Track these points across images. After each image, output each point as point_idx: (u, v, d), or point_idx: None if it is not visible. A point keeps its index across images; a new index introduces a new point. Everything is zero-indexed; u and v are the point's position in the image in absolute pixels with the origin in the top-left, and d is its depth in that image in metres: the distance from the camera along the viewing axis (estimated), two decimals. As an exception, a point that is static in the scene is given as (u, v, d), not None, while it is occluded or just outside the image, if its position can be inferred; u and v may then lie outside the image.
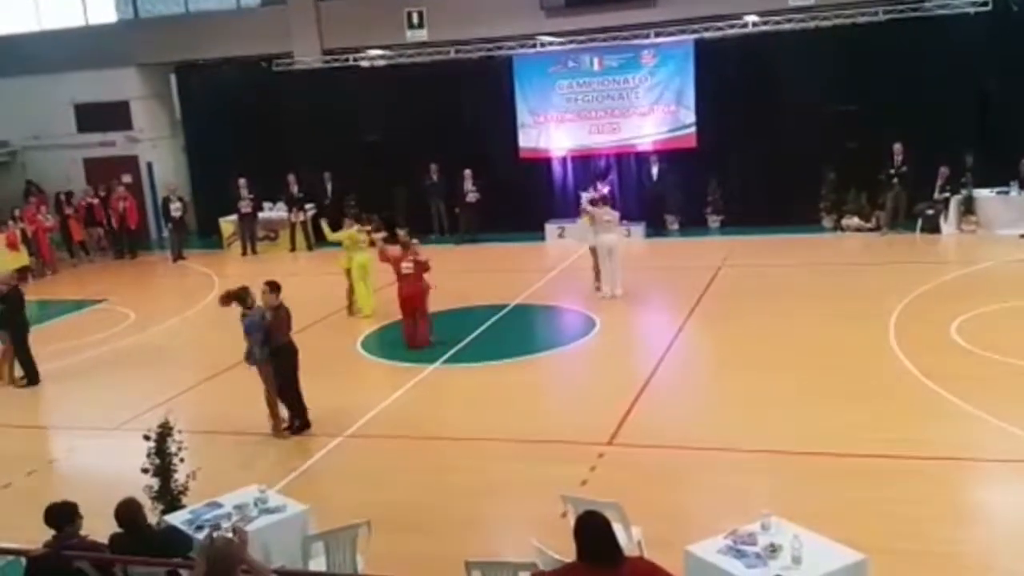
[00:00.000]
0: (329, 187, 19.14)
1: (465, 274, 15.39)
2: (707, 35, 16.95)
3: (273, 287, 8.79)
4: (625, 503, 5.61)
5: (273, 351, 8.68)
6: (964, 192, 15.56)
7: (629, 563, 4.11)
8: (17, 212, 18.29)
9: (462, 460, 8.21)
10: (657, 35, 17.19)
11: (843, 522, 6.00)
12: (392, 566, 5.49)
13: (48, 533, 5.34)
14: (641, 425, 8.62)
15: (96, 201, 19.59)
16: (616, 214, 13.71)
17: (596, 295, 13.36)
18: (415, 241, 12.00)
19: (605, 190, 17.74)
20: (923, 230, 15.81)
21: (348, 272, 13.03)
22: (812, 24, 16.28)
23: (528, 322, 12.85)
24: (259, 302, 8.72)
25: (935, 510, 6.67)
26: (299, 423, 8.96)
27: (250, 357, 8.72)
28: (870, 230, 16.24)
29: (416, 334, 11.50)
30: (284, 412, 8.95)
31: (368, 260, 12.82)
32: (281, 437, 8.79)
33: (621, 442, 8.28)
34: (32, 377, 11.25)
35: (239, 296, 8.69)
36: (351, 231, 13.09)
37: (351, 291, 13.09)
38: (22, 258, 17.62)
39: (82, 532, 5.37)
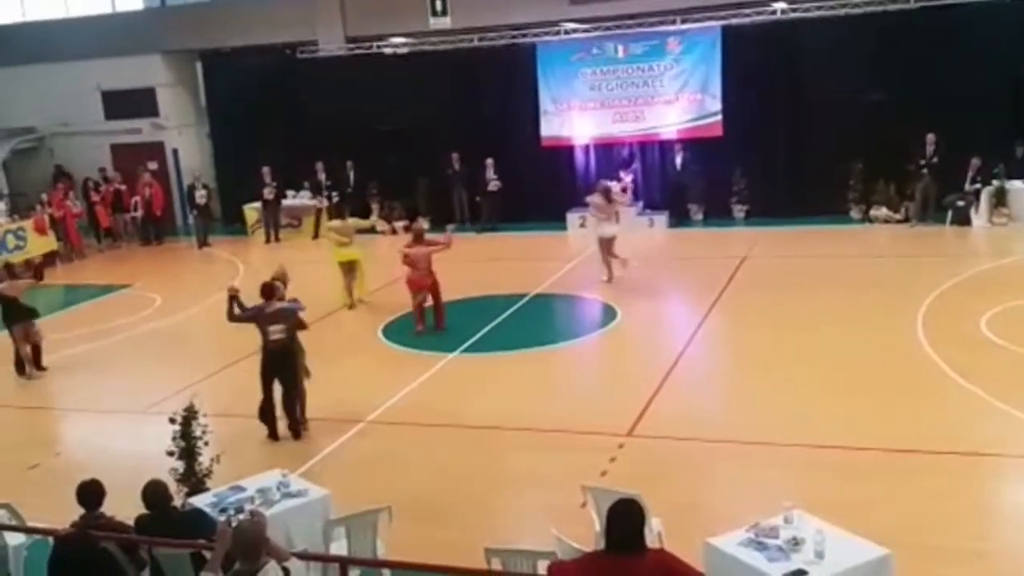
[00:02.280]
0: (351, 175, 19.19)
1: (486, 263, 15.39)
2: (734, 22, 16.74)
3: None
4: (645, 494, 5.53)
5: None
6: (996, 184, 15.31)
7: (650, 554, 4.10)
8: (45, 197, 18.52)
9: (482, 448, 8.21)
10: (683, 22, 17.03)
11: (867, 516, 5.92)
12: (412, 552, 5.50)
13: (75, 512, 5.41)
14: (662, 416, 8.57)
15: (124, 187, 19.78)
16: (613, 204, 13.69)
17: (608, 283, 13.39)
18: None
19: (628, 179, 17.75)
20: (953, 222, 15.56)
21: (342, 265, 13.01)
22: (842, 11, 16.03)
23: (549, 312, 12.82)
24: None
25: (962, 506, 6.59)
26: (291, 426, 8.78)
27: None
28: (899, 221, 16.02)
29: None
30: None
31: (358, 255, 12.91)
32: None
33: (641, 433, 8.24)
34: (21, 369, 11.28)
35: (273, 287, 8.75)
36: (335, 223, 13.17)
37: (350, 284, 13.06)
38: (50, 243, 17.86)
39: (108, 513, 5.44)
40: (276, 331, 8.47)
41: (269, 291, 8.61)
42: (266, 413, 8.65)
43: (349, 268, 12.98)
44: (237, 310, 8.67)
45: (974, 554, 6.00)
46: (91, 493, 5.38)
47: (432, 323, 11.80)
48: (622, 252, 13.52)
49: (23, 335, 11.10)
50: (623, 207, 13.59)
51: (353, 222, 13.44)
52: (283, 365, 8.56)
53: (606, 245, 13.44)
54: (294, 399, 8.69)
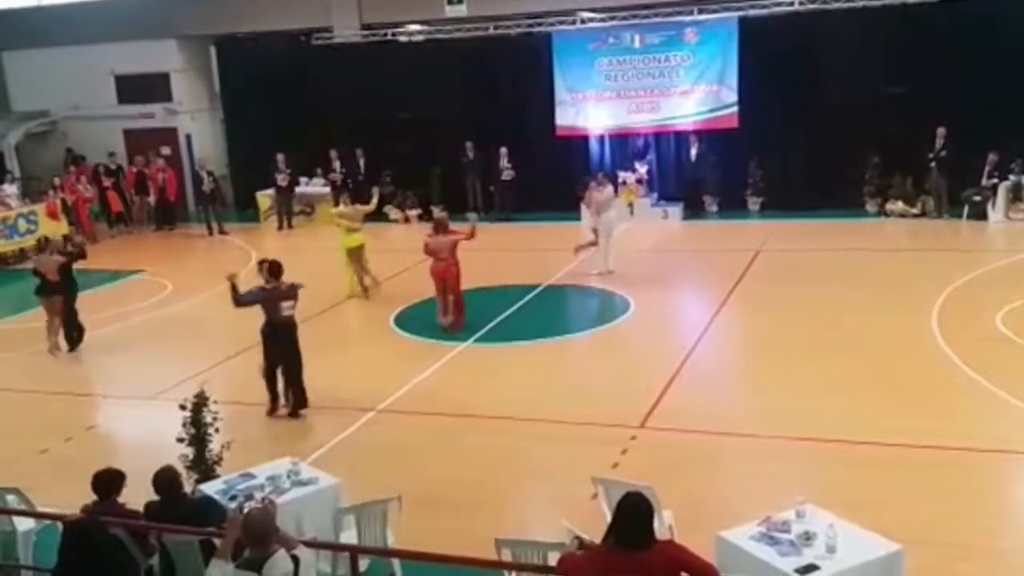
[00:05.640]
0: (362, 163, 19.15)
1: (499, 253, 15.32)
2: (752, 13, 16.59)
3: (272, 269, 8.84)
4: (656, 487, 5.53)
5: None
6: (1013, 179, 15.15)
7: (660, 547, 4.08)
8: (57, 182, 18.56)
9: (493, 439, 8.19)
10: (700, 12, 16.88)
11: (880, 512, 5.88)
12: (422, 541, 5.50)
13: (85, 498, 5.41)
14: (674, 409, 8.53)
15: (147, 170, 19.77)
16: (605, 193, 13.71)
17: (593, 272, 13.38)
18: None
19: (643, 170, 17.66)
20: (970, 217, 15.43)
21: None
22: (860, 3, 15.86)
23: (562, 302, 12.79)
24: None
25: (975, 502, 6.54)
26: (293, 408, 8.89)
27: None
28: (915, 216, 15.89)
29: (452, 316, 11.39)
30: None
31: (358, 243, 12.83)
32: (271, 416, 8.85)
33: (654, 425, 8.21)
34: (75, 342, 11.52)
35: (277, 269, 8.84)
36: (343, 208, 13.09)
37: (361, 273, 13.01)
38: (61, 227, 17.89)
39: (118, 499, 5.44)
40: (288, 307, 8.72)
41: (279, 269, 8.77)
42: (271, 385, 8.81)
43: (357, 255, 12.95)
44: (242, 290, 8.77)
45: (987, 551, 5.96)
46: (107, 484, 5.37)
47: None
48: (633, 242, 13.49)
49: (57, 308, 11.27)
50: (603, 198, 13.63)
51: (360, 208, 13.39)
52: (290, 340, 8.75)
53: (609, 235, 13.43)
54: (299, 376, 8.81)
